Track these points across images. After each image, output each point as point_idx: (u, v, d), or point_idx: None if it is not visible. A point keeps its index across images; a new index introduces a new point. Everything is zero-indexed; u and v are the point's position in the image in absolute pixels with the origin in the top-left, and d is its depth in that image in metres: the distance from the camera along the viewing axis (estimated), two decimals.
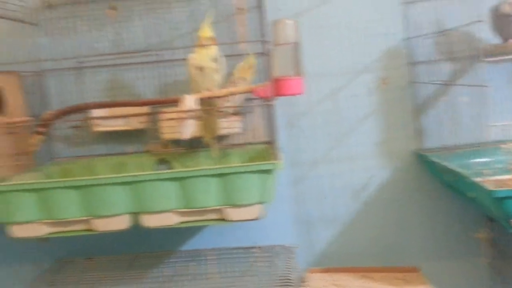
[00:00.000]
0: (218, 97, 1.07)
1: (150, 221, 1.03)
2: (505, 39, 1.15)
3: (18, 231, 1.05)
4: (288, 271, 1.22)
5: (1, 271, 1.45)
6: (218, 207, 1.02)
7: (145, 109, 1.26)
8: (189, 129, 1.03)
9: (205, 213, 1.03)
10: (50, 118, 1.17)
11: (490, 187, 0.92)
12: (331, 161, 1.37)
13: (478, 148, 1.26)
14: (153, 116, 1.29)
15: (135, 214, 1.04)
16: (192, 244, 1.41)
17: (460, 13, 1.25)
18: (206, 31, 1.06)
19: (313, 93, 1.34)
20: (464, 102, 1.29)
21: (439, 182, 1.32)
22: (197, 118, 1.07)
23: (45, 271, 1.36)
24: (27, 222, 1.03)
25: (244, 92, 1.08)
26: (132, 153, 1.35)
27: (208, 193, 1.00)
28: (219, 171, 0.99)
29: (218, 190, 1.00)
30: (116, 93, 1.35)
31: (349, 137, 1.36)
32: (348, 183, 1.37)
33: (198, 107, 1.03)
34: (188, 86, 1.13)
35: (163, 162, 1.32)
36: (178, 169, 1.01)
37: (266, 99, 1.02)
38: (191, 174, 0.99)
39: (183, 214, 1.04)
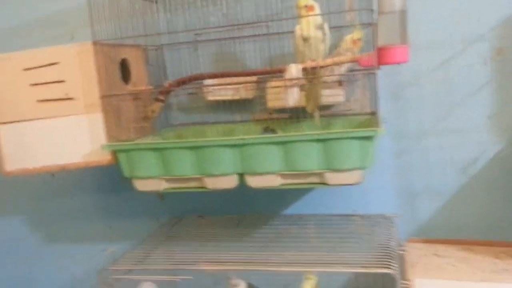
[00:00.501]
0: (322, 66, 1.10)
1: (255, 181, 1.11)
2: None
3: (141, 185, 1.19)
4: (388, 239, 1.24)
5: (124, 222, 1.64)
6: (319, 171, 1.07)
7: (253, 79, 1.33)
8: (293, 97, 1.08)
9: (306, 176, 1.09)
10: (169, 87, 1.29)
11: None
12: (439, 134, 1.34)
13: None
14: (260, 86, 1.36)
15: (242, 175, 1.13)
16: (294, 209, 1.48)
17: None
18: (302, 0, 1.09)
19: (422, 63, 1.31)
20: None
21: None
22: (301, 87, 1.11)
23: (161, 225, 1.52)
24: (148, 178, 1.17)
25: (349, 62, 1.10)
26: (240, 121, 1.44)
27: (310, 158, 1.05)
28: (321, 137, 1.03)
29: (319, 155, 1.04)
30: (227, 65, 1.44)
31: (460, 110, 1.32)
32: (456, 157, 1.33)
33: (302, 76, 1.07)
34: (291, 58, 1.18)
35: (269, 129, 1.39)
36: (282, 134, 1.07)
37: (370, 68, 1.03)
38: (294, 139, 1.05)
39: (285, 176, 1.10)
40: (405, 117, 1.36)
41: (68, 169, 1.24)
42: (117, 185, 1.60)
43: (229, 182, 1.13)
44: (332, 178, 1.06)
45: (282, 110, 1.34)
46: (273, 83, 1.20)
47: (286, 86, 1.06)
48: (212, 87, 1.36)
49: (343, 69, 1.26)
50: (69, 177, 1.67)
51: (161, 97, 1.31)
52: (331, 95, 1.28)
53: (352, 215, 1.41)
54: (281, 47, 1.38)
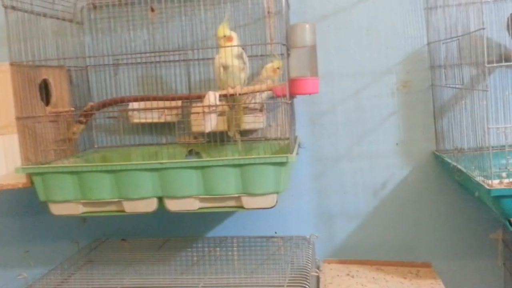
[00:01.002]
0: (241, 94, 1.15)
1: (174, 205, 1.13)
2: None
3: (57, 209, 1.17)
4: (306, 260, 1.29)
5: (42, 246, 1.59)
6: (236, 195, 1.10)
7: (177, 104, 1.36)
8: (210, 123, 1.12)
9: (224, 200, 1.12)
10: (91, 109, 1.29)
11: (487, 186, 0.95)
12: (352, 158, 1.42)
13: (495, 151, 1.28)
14: (184, 110, 1.39)
15: (161, 198, 1.14)
16: (218, 231, 1.51)
17: (480, 19, 1.28)
18: (222, 30, 1.14)
19: (336, 92, 1.40)
20: (483, 105, 1.31)
21: (456, 183, 1.35)
22: (222, 112, 1.15)
23: (81, 249, 1.49)
24: (64, 201, 1.15)
25: (265, 90, 1.16)
26: (165, 143, 1.45)
27: (228, 182, 1.08)
28: (237, 162, 1.07)
29: (236, 179, 1.08)
30: (149, 88, 1.46)
31: (371, 136, 1.41)
32: (368, 180, 1.42)
33: (221, 102, 1.11)
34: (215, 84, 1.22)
35: (193, 152, 1.41)
36: (202, 159, 1.10)
37: (284, 97, 1.09)
38: (213, 164, 1.08)
39: (204, 200, 1.13)
40: (321, 143, 1.43)
41: None
42: (34, 207, 1.55)
43: (149, 205, 1.14)
44: (248, 202, 1.10)
45: (207, 134, 1.38)
46: (195, 109, 1.23)
47: (204, 112, 1.09)
48: (136, 110, 1.37)
49: (264, 96, 1.32)
50: None
51: (83, 119, 1.31)
52: (252, 121, 1.33)
53: (273, 237, 1.46)
54: (203, 73, 1.42)
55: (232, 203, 1.12)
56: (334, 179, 1.44)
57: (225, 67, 1.15)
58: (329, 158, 1.43)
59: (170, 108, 1.36)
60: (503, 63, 1.13)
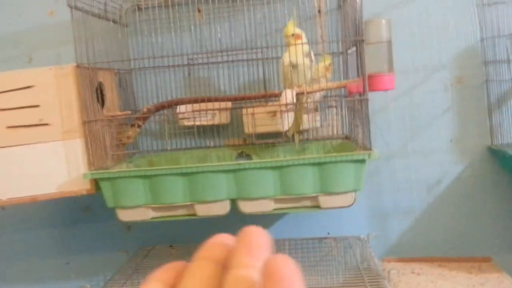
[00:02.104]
0: (309, 92, 1.13)
1: (248, 207, 1.10)
2: None
3: (126, 215, 1.13)
4: (364, 260, 1.28)
5: (82, 257, 1.54)
6: (313, 195, 1.08)
7: (228, 105, 1.33)
8: (287, 121, 1.10)
9: (300, 200, 1.10)
10: (148, 112, 1.26)
11: None
12: (405, 156, 1.42)
13: None
14: (235, 112, 1.36)
15: (234, 201, 1.11)
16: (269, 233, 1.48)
17: None
18: (290, 29, 1.13)
19: (389, 90, 1.39)
20: None
21: None
22: (295, 110, 1.13)
23: (129, 258, 1.45)
24: (134, 207, 1.12)
25: (337, 88, 1.15)
26: (213, 147, 1.42)
27: (305, 181, 1.06)
28: (317, 160, 1.05)
29: (315, 178, 1.06)
30: (194, 91, 1.43)
31: (424, 133, 1.41)
32: (422, 177, 1.42)
33: (297, 100, 1.09)
34: (262, 84, 1.20)
35: (243, 155, 1.39)
36: (277, 159, 1.08)
37: (359, 94, 1.08)
38: (290, 163, 1.06)
39: (278, 201, 1.10)
40: (374, 140, 1.42)
41: (39, 201, 1.15)
42: (74, 216, 1.50)
43: (222, 208, 1.11)
44: (325, 201, 1.08)
45: (258, 136, 1.35)
46: (259, 109, 1.21)
47: (281, 111, 1.07)
48: (188, 113, 1.34)
49: (317, 96, 1.30)
50: (17, 210, 1.54)
51: (139, 122, 1.27)
52: (309, 120, 1.31)
53: (326, 238, 1.44)
54: (250, 74, 1.40)
55: (307, 203, 1.10)
56: (387, 177, 1.43)
57: (294, 66, 1.13)
58: (382, 156, 1.42)
59: (220, 109, 1.33)
60: None
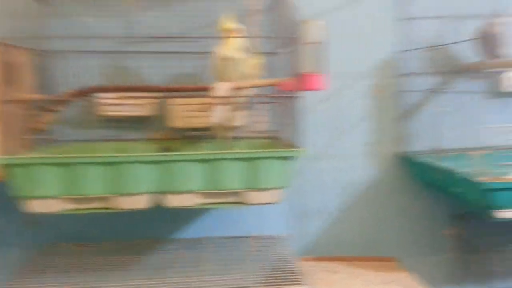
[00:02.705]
0: (241, 88, 1.13)
1: (174, 200, 1.07)
2: (490, 57, 1.31)
3: (38, 206, 1.04)
4: (283, 259, 1.29)
5: None
6: (240, 190, 1.07)
7: (157, 96, 1.29)
8: (219, 115, 1.08)
9: (226, 195, 1.08)
10: (67, 97, 1.17)
11: (477, 181, 1.05)
12: (326, 158, 1.46)
13: (456, 153, 1.41)
14: (161, 104, 1.32)
15: (157, 194, 1.07)
16: (188, 233, 1.45)
17: (448, 32, 1.40)
18: (228, 23, 1.12)
19: (317, 92, 1.43)
20: (448, 110, 1.44)
21: (420, 182, 1.45)
22: (229, 105, 1.12)
23: (31, 255, 1.33)
24: (48, 198, 1.03)
25: (269, 85, 1.15)
26: (137, 140, 1.36)
27: (234, 176, 1.05)
28: (246, 155, 1.05)
29: (243, 174, 1.05)
30: (121, 79, 1.37)
31: (345, 137, 1.47)
32: (340, 179, 1.47)
33: (231, 94, 1.08)
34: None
35: (167, 150, 1.35)
36: (207, 152, 1.06)
37: (290, 92, 1.09)
38: (220, 157, 1.04)
39: (205, 195, 1.08)
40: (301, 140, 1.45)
41: None
42: None
43: (144, 202, 1.06)
44: (253, 197, 1.08)
45: (186, 131, 1.32)
46: (188, 101, 1.18)
47: (212, 104, 1.05)
48: (111, 101, 1.27)
49: (249, 92, 1.30)
50: None
51: (56, 108, 1.18)
52: (238, 117, 1.31)
53: (247, 237, 1.44)
54: (183, 66, 1.37)
55: (234, 198, 1.09)
56: (311, 177, 1.47)
57: (228, 60, 1.12)
58: (306, 157, 1.46)
59: (147, 98, 1.28)
60: (495, 69, 1.26)
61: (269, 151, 1.05)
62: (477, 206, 1.16)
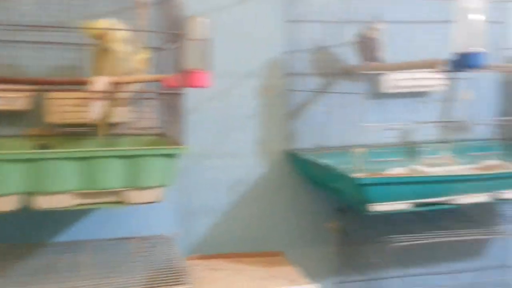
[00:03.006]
0: (122, 83, 1.08)
1: (46, 202, 0.99)
2: (368, 60, 1.39)
3: None
4: (169, 259, 1.27)
5: None
6: (120, 189, 1.03)
7: (30, 89, 1.19)
8: (96, 111, 1.02)
9: (106, 195, 1.03)
10: None
11: (353, 176, 1.11)
12: (214, 156, 1.46)
13: (339, 150, 1.48)
14: (38, 98, 1.23)
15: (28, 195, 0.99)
16: (68, 235, 1.36)
17: (333, 35, 1.47)
18: (98, 25, 1.07)
19: (204, 90, 1.41)
20: (332, 110, 1.51)
21: (306, 178, 1.50)
22: (107, 100, 1.06)
23: None
24: None
25: (153, 81, 1.12)
26: (9, 136, 1.25)
27: (113, 175, 1.01)
28: (126, 153, 1.00)
29: (123, 172, 1.01)
30: None
31: (233, 135, 1.48)
32: (228, 177, 1.48)
33: (110, 89, 1.03)
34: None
35: (44, 147, 1.26)
36: (81, 149, 1.00)
37: (174, 88, 1.07)
38: (97, 155, 0.99)
39: (82, 196, 1.02)
40: (187, 139, 1.43)
41: None
42: None
43: (11, 203, 0.97)
44: (133, 196, 1.04)
45: (64, 127, 1.24)
46: (65, 95, 1.11)
47: (91, 99, 1.00)
48: None
49: (133, 88, 1.26)
50: None
51: None
52: (120, 114, 1.26)
53: (131, 238, 1.39)
54: (62, 58, 1.28)
55: (114, 198, 1.05)
56: (198, 175, 1.45)
57: (109, 53, 1.07)
58: (192, 155, 1.44)
59: (26, 93, 1.18)
60: (373, 72, 1.33)
61: (150, 149, 1.02)
62: (354, 201, 1.23)
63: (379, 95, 1.58)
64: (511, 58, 1.65)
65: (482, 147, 1.63)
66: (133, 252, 1.35)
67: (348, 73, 1.51)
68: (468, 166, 1.56)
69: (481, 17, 1.03)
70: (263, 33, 1.47)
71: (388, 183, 1.13)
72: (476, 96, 1.67)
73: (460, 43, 1.05)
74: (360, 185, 1.12)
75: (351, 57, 1.49)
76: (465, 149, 1.61)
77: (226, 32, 1.44)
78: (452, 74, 1.54)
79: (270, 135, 1.51)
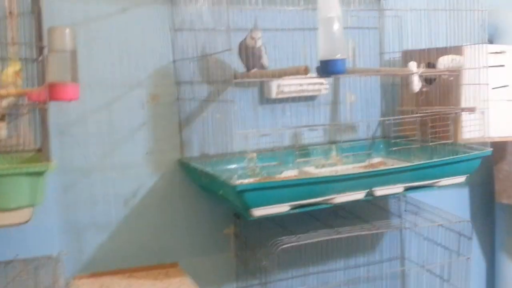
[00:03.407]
0: None
1: None
2: (249, 68, 1.41)
3: None
4: (53, 281, 1.22)
5: None
6: None
7: None
8: None
9: None
10: None
11: (232, 183, 1.13)
12: (103, 169, 1.42)
13: (230, 156, 1.50)
14: None
15: None
16: None
17: (219, 43, 1.48)
18: None
19: (87, 102, 1.38)
20: (218, 117, 1.52)
21: (199, 186, 1.51)
22: None
23: None
24: None
25: (17, 95, 1.06)
26: None
27: None
28: None
29: None
30: None
31: (122, 147, 1.44)
32: (119, 190, 1.44)
33: None
34: None
35: None
36: None
37: (40, 103, 1.03)
38: None
39: None
40: (71, 154, 1.38)
41: None
42: None
43: None
44: None
45: None
46: None
47: None
48: None
49: (5, 103, 1.20)
50: None
51: None
52: None
53: (13, 261, 1.32)
54: None
55: None
56: (84, 191, 1.41)
57: None
58: (79, 170, 1.40)
59: None
60: (246, 79, 1.35)
61: (10, 168, 0.97)
62: (237, 206, 1.24)
63: (268, 101, 1.61)
64: (389, 61, 1.76)
65: (368, 146, 1.73)
66: (16, 276, 1.28)
67: (236, 80, 1.52)
68: (355, 165, 1.65)
69: (340, 26, 1.09)
70: (149, 42, 1.46)
71: (265, 188, 1.16)
72: (363, 98, 1.76)
73: (323, 51, 1.11)
74: (239, 192, 1.13)
75: (238, 65, 1.51)
76: (352, 148, 1.70)
77: (110, 42, 1.41)
78: (330, 79, 1.61)
79: (161, 145, 1.49)
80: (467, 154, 1.37)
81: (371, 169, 1.30)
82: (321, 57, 1.11)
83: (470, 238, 1.56)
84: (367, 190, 1.29)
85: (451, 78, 1.44)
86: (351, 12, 1.65)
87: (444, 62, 1.38)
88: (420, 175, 1.32)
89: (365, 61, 1.74)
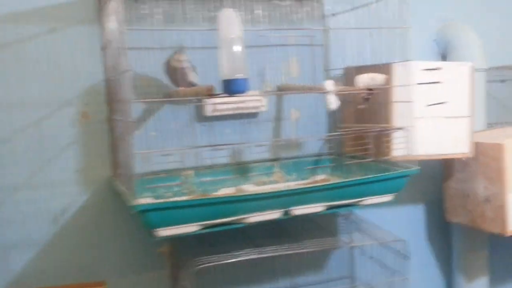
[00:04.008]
0: None
1: None
2: (177, 86, 1.42)
3: None
4: None
5: None
6: None
7: None
8: None
9: None
10: None
11: (134, 202, 1.12)
12: (32, 188, 1.43)
13: (165, 175, 1.50)
14: None
15: None
16: None
17: (154, 61, 1.49)
18: None
19: (15, 121, 1.40)
20: (153, 135, 1.52)
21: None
22: None
23: None
24: None
25: None
26: None
27: None
28: None
29: None
30: None
31: (51, 165, 1.45)
32: (49, 208, 1.45)
33: None
34: None
35: None
36: None
37: None
38: None
39: None
40: None
41: None
42: None
43: None
44: None
45: None
46: None
47: None
48: None
49: None
50: None
51: None
52: None
53: None
54: None
55: None
56: (11, 209, 1.42)
57: None
58: (6, 188, 1.41)
59: None
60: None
61: None
62: (144, 226, 1.24)
63: (207, 119, 1.61)
64: (333, 78, 1.74)
65: (313, 163, 1.71)
66: None
67: (171, 98, 1.53)
68: (298, 182, 1.63)
69: (241, 47, 1.09)
70: (79, 61, 1.47)
71: (168, 208, 1.15)
72: (308, 115, 1.75)
73: (224, 70, 1.10)
74: (140, 212, 1.13)
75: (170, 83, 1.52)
76: (296, 165, 1.68)
77: (39, 61, 1.43)
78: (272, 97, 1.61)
79: (92, 163, 1.50)
80: (387, 173, 1.34)
81: (282, 189, 1.28)
82: (223, 77, 1.11)
83: (407, 258, 1.53)
84: (284, 209, 1.27)
85: (377, 96, 1.42)
86: (297, 32, 1.67)
87: (363, 80, 1.37)
88: (340, 194, 1.30)
89: (309, 78, 1.74)
